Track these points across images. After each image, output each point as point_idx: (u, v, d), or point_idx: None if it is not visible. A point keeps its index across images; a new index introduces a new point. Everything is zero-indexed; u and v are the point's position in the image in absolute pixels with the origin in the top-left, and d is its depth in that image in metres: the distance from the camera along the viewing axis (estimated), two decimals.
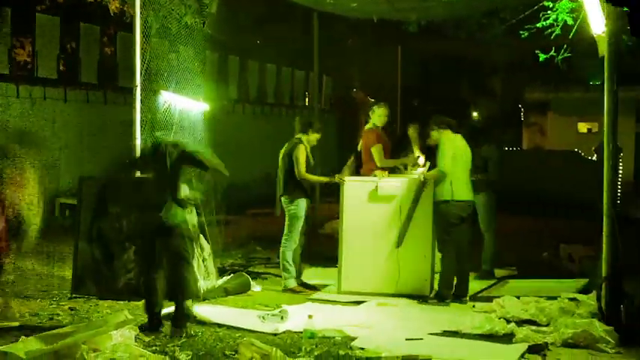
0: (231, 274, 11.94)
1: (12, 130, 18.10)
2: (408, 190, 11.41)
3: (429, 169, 11.68)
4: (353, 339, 8.85)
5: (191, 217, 9.34)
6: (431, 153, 11.81)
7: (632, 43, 10.46)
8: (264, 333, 9.07)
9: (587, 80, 31.98)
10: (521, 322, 9.58)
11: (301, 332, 8.99)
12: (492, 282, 12.42)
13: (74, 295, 10.78)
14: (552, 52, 11.30)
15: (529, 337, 8.89)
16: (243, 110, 28.88)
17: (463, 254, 11.23)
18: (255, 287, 11.75)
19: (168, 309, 9.44)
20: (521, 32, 11.85)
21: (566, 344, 8.73)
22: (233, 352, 8.16)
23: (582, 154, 25.44)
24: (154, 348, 8.29)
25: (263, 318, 9.71)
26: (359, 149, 12.38)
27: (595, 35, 9.66)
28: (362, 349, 8.44)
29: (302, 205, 11.71)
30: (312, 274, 12.71)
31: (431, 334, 9.22)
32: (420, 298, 11.15)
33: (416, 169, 12.25)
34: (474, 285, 11.84)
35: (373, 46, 33.03)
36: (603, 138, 9.38)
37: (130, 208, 10.57)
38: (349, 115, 35.88)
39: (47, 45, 21.01)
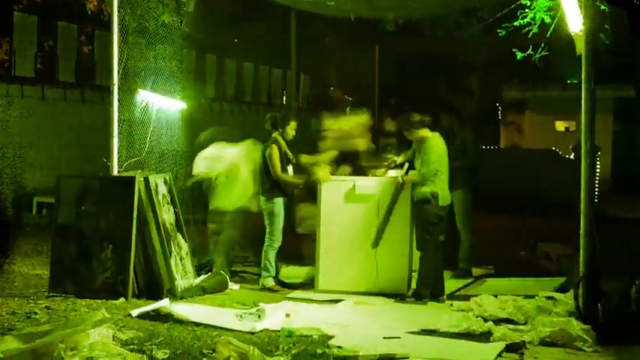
0: (209, 273, 11.93)
1: None
2: (386, 189, 11.43)
3: (407, 171, 11.64)
4: (330, 337, 8.83)
5: (169, 216, 9.32)
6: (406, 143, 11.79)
7: (609, 42, 10.48)
8: (241, 332, 9.03)
9: (564, 79, 31.98)
10: (498, 321, 9.61)
11: (279, 331, 8.99)
12: (470, 280, 12.45)
13: (51, 294, 10.71)
14: (530, 51, 11.30)
15: (506, 335, 8.90)
16: (220, 108, 28.76)
17: (439, 252, 11.27)
18: (233, 286, 11.75)
19: (143, 308, 9.48)
20: (498, 31, 11.87)
21: (544, 343, 8.76)
22: (210, 351, 8.11)
23: (560, 152, 25.44)
24: (131, 347, 8.22)
25: (241, 317, 9.70)
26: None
27: (573, 34, 9.71)
28: (339, 347, 8.42)
29: (279, 202, 11.78)
30: (289, 273, 12.67)
31: (408, 332, 9.24)
32: (398, 296, 11.16)
33: (387, 171, 12.06)
34: (452, 284, 11.89)
35: (351, 45, 32.95)
36: (581, 136, 9.41)
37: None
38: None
39: (25, 43, 20.81)
